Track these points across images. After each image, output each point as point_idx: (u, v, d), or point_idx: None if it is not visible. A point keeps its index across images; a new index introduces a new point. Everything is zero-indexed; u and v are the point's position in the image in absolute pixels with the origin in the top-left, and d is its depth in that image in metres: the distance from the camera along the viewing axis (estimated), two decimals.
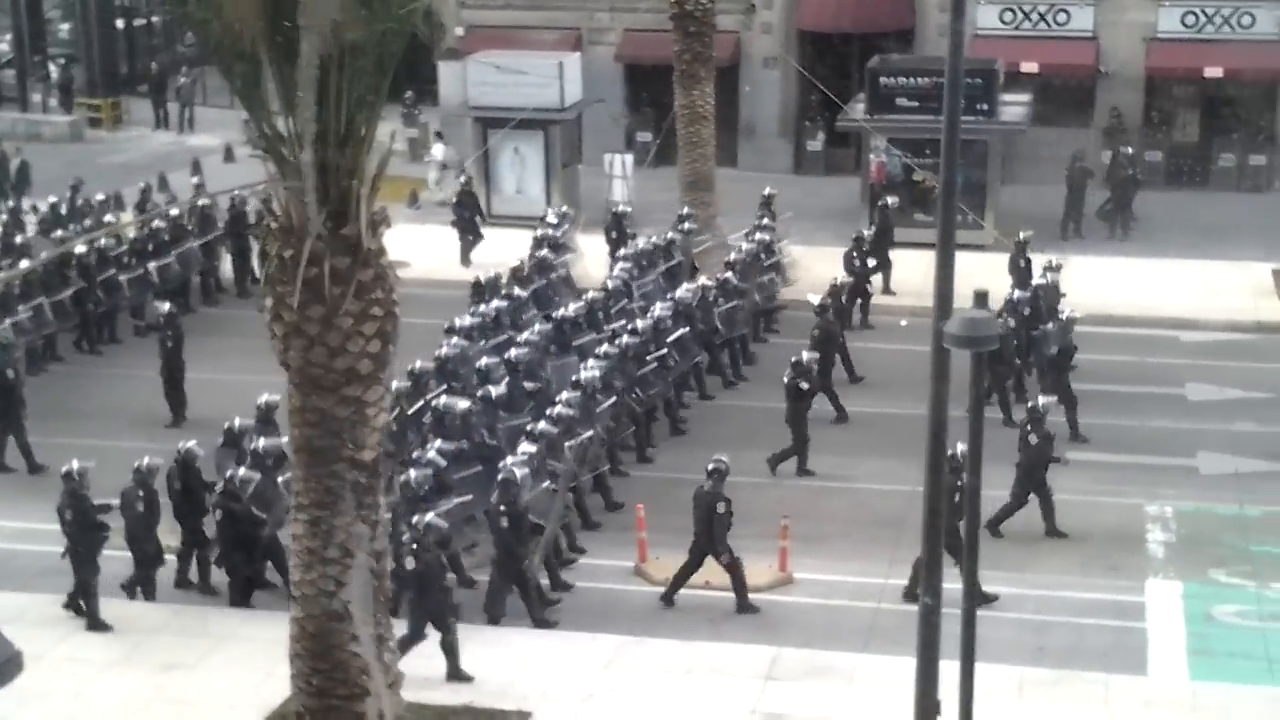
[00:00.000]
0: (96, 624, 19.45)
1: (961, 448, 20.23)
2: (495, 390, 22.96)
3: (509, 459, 20.46)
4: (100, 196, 35.46)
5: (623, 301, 27.87)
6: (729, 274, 28.91)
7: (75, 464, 19.59)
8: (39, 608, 19.77)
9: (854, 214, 36.22)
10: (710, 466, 20.45)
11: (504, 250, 32.19)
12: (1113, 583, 20.78)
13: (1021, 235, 30.55)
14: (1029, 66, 40.10)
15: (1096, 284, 32.26)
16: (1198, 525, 22.53)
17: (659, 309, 26.37)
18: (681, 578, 20.47)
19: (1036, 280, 28.19)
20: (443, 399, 22.12)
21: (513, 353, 24.07)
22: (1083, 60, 40.84)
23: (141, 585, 20.31)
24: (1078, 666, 18.70)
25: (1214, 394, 27.46)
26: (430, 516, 18.47)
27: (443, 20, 41.47)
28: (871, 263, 31.38)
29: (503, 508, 19.52)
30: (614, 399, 23.61)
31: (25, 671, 13.67)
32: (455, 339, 25.01)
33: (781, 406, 24.40)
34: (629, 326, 25.64)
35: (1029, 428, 22.03)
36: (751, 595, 20.34)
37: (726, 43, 40.82)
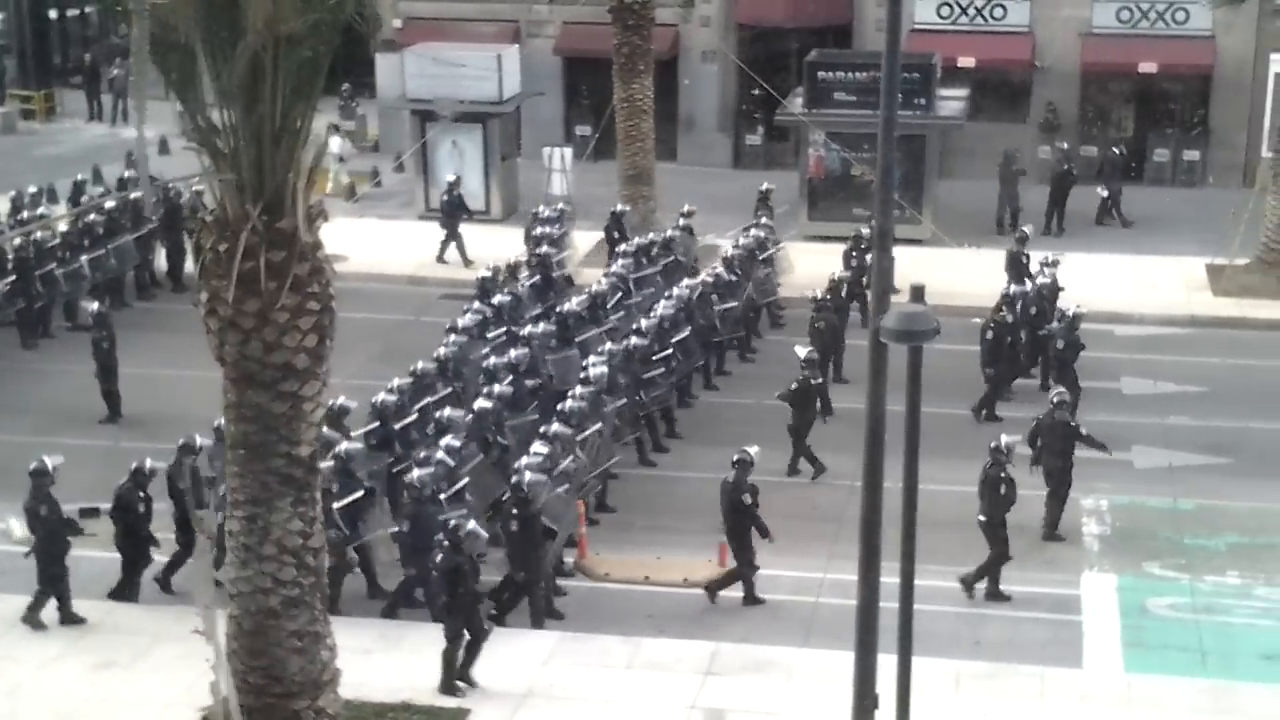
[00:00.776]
0: (70, 618, 19.22)
1: (1005, 439, 20.46)
2: (498, 388, 22.70)
3: (523, 460, 20.13)
4: (33, 189, 35.06)
5: (618, 295, 27.61)
6: (724, 270, 28.77)
7: (48, 460, 19.21)
8: None
9: (793, 208, 36.29)
10: (735, 458, 20.39)
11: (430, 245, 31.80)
12: (1049, 576, 20.90)
13: (1019, 232, 30.77)
14: (966, 61, 40.39)
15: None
16: (1132, 519, 22.70)
17: (662, 306, 26.21)
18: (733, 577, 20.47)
19: (1039, 280, 28.08)
20: (447, 410, 21.89)
21: (513, 354, 23.88)
22: (1019, 55, 41.11)
23: (126, 589, 20.10)
24: (1014, 660, 18.79)
25: (1148, 388, 27.67)
26: (471, 525, 18.08)
27: (379, 12, 41.24)
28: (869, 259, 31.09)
29: (514, 511, 19.25)
30: (623, 400, 23.37)
31: None
32: (455, 337, 24.85)
33: (772, 404, 24.30)
34: (635, 327, 25.50)
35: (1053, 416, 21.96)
36: (691, 591, 20.36)
37: (665, 36, 40.85)
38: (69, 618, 19.30)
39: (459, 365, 24.16)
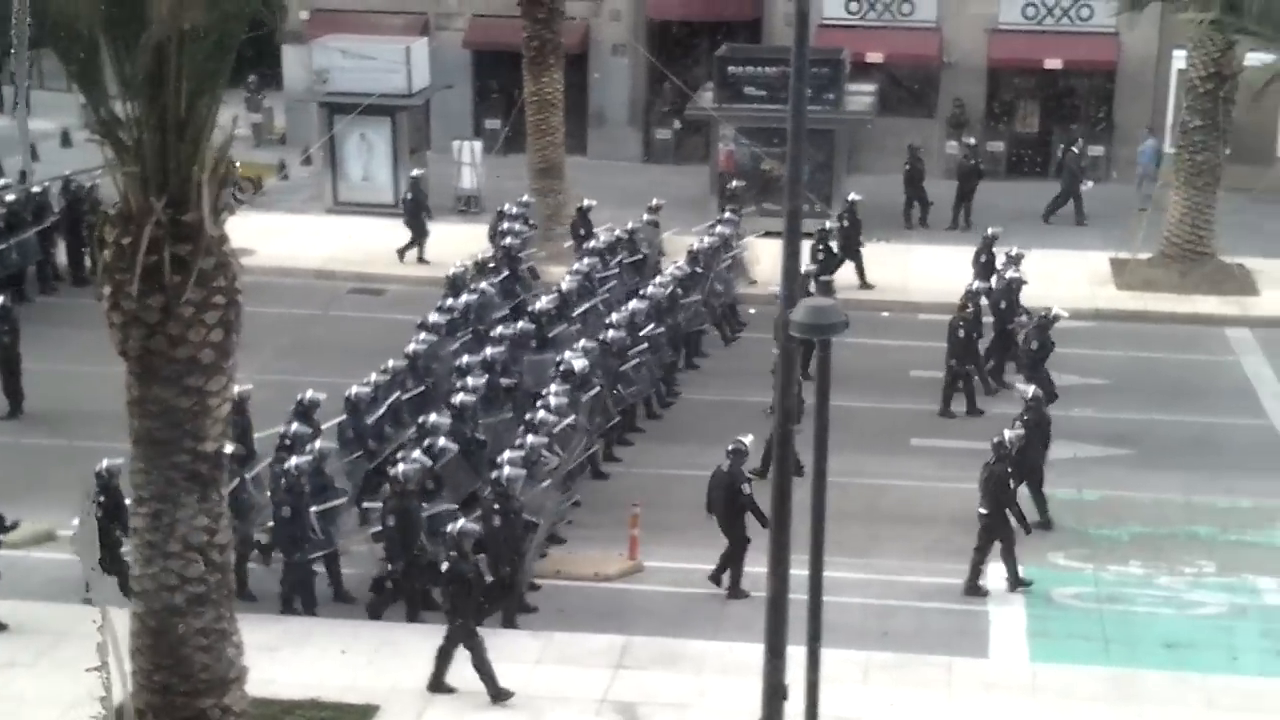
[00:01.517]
0: None
1: (1008, 434, 20.64)
2: (473, 381, 22.67)
3: (506, 454, 20.09)
4: None
5: (586, 296, 27.47)
6: (690, 266, 28.66)
7: None
8: None
9: (702, 202, 36.36)
10: (730, 447, 20.57)
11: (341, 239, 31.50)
12: (956, 567, 21.07)
13: (990, 231, 31.00)
14: (874, 56, 40.63)
15: (938, 273, 32.61)
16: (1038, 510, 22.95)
17: (633, 304, 26.14)
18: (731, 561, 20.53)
19: (1009, 275, 28.23)
20: (432, 416, 21.68)
21: (489, 351, 23.81)
22: (927, 51, 41.40)
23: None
24: (921, 650, 18.99)
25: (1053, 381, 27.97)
26: (463, 523, 18.06)
27: (286, 3, 40.85)
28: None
29: (496, 505, 19.21)
30: (596, 390, 23.35)
31: None
32: (424, 334, 24.76)
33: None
34: (608, 320, 25.47)
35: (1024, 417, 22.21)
36: (601, 585, 20.35)
37: (576, 30, 40.77)
38: None
39: (429, 362, 24.17)
